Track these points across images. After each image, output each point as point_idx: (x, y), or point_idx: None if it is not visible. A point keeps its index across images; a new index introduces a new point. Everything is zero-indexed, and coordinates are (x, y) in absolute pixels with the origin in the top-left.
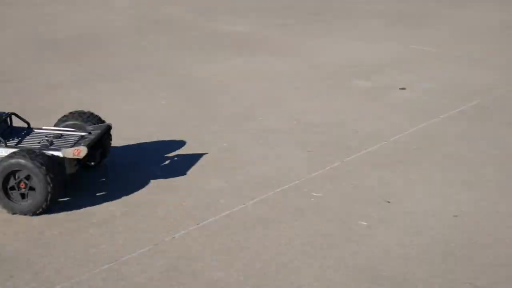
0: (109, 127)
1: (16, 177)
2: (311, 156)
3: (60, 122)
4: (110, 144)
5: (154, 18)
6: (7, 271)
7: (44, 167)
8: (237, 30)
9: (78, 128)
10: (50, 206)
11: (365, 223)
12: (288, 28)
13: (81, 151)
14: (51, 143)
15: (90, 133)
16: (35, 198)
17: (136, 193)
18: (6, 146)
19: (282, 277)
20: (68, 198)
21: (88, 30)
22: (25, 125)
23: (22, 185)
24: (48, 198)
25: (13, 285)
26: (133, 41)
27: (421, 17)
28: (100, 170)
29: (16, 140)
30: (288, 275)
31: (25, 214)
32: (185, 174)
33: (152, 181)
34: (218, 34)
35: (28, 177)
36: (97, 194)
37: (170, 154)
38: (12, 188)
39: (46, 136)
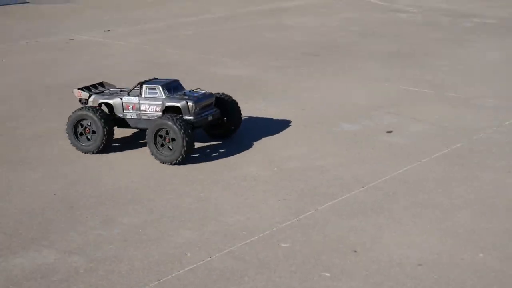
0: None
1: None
2: (286, 204)
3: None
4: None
5: (158, 61)
6: None
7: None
8: (234, 74)
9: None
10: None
11: (328, 275)
12: (284, 70)
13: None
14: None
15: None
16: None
17: (103, 247)
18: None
19: None
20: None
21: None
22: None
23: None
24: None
25: None
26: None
27: (420, 56)
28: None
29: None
30: None
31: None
32: (156, 226)
33: (119, 234)
34: (216, 78)
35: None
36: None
37: (143, 211)
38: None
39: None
